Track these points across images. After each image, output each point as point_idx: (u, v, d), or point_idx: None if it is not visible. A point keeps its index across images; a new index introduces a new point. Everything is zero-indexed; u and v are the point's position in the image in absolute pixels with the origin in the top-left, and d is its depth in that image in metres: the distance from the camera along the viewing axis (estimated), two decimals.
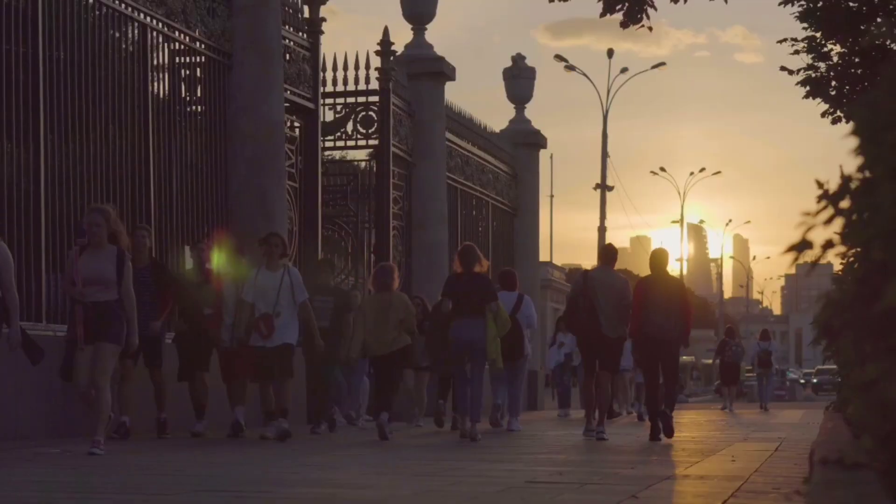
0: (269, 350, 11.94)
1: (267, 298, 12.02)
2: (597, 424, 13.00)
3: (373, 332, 12.50)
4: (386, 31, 20.54)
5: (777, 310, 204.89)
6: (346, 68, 20.18)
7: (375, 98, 20.44)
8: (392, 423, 12.66)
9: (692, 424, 17.73)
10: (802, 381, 59.48)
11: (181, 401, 12.67)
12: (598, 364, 13.10)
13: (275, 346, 11.92)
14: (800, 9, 15.41)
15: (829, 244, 2.96)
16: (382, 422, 12.12)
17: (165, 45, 14.95)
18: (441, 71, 22.15)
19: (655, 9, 13.91)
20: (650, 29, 13.99)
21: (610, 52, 44.28)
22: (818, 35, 15.73)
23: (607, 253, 13.64)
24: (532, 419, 20.04)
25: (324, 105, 19.20)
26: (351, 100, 20.41)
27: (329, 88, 19.83)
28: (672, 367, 12.91)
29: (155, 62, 14.71)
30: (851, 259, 4.85)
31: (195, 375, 12.67)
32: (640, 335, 12.67)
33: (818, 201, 2.97)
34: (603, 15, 14.10)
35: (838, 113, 16.06)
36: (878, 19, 14.59)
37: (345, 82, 20.19)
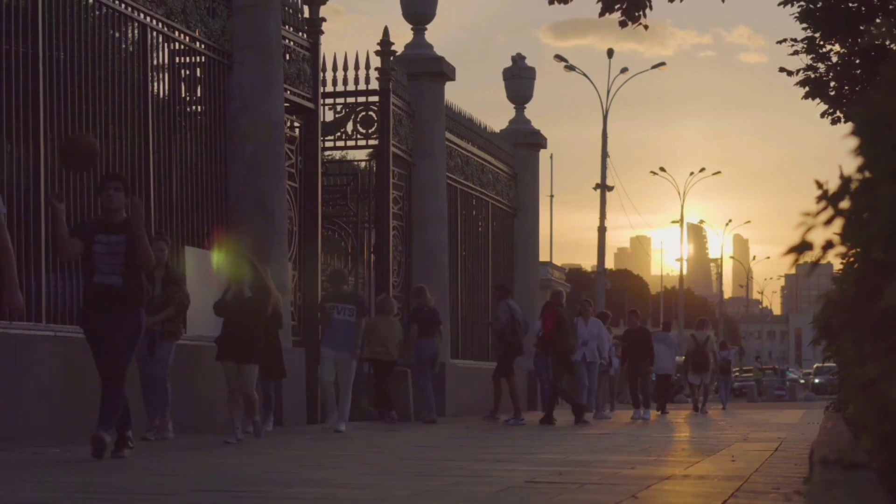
0: None
1: None
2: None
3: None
4: (386, 31, 20.54)
5: (777, 310, 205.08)
6: (346, 68, 20.18)
7: (375, 98, 20.44)
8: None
9: (692, 424, 17.72)
10: (802, 380, 59.49)
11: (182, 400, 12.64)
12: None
13: None
14: (799, 9, 15.41)
15: (829, 244, 2.95)
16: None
17: (165, 45, 14.95)
18: (441, 71, 22.14)
19: (651, 8, 13.89)
20: (646, 27, 13.96)
21: (610, 52, 44.27)
22: (817, 35, 15.73)
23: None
24: (530, 420, 20.02)
25: (324, 105, 19.19)
26: (351, 100, 20.40)
27: (329, 88, 19.82)
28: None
29: (155, 62, 14.71)
30: (851, 259, 4.85)
31: None
32: None
33: (818, 202, 2.97)
34: (602, 14, 14.08)
35: (838, 113, 16.07)
36: (878, 19, 14.58)
37: (345, 82, 20.19)
